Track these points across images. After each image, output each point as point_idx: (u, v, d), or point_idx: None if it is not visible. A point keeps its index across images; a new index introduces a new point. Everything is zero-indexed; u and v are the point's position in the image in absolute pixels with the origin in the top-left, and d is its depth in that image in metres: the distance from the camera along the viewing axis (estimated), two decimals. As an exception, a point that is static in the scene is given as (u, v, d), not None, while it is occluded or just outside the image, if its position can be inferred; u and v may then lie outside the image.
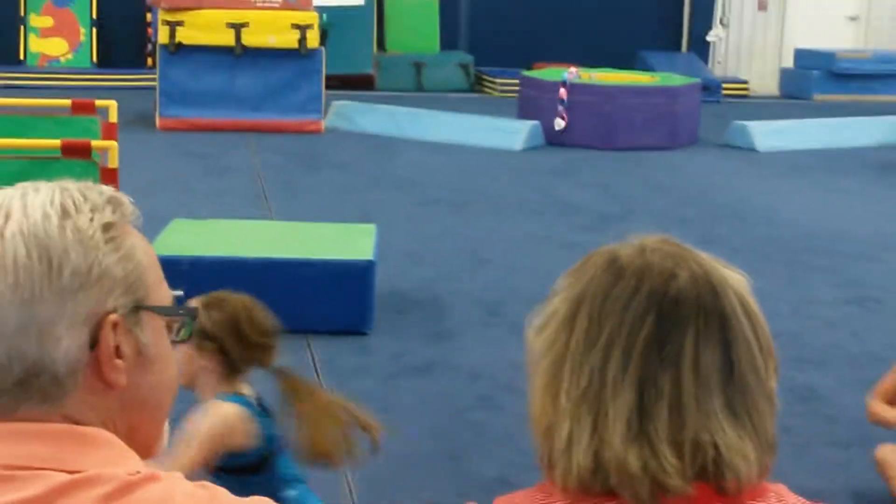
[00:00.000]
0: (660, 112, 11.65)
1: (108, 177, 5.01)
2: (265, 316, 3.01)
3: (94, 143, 5.33)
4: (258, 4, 11.88)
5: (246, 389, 3.00)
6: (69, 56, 14.60)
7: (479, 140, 11.23)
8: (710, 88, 14.41)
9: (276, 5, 11.91)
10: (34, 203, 1.17)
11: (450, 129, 11.55)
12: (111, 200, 1.20)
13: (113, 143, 5.35)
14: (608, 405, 1.18)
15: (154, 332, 1.20)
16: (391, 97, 13.66)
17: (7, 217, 1.16)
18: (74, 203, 1.17)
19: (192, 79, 11.69)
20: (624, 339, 1.20)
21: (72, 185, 1.20)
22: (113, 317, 1.16)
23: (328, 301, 5.68)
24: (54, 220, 1.15)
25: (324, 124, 11.80)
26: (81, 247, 1.15)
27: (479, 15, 15.82)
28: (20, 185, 1.21)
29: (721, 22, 16.31)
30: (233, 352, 2.95)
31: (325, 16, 12.35)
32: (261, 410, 2.98)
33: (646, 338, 1.19)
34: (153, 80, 12.18)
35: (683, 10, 16.42)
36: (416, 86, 15.06)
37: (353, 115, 12.10)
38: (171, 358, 1.24)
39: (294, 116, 11.73)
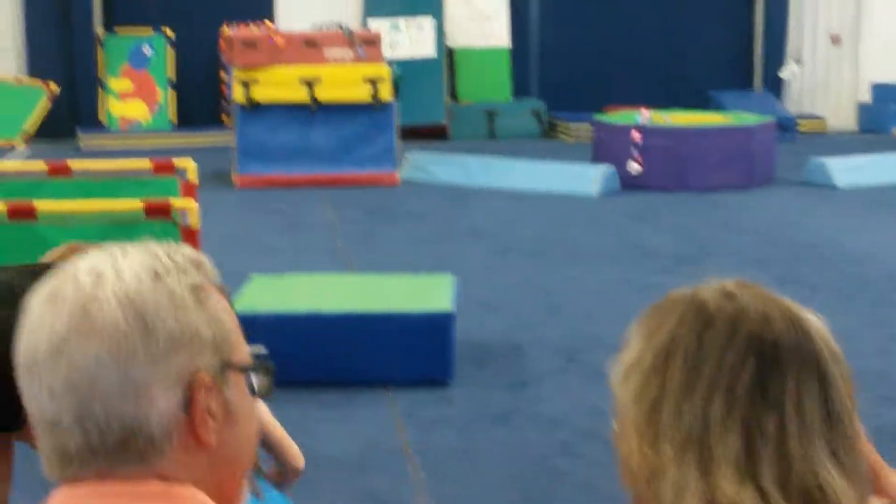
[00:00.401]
0: (735, 152, 11.57)
1: (189, 236, 5.05)
2: None
3: (175, 202, 5.37)
4: (330, 60, 12.03)
5: None
6: (149, 119, 14.87)
7: (555, 187, 11.22)
8: (786, 126, 14.27)
9: (349, 60, 12.06)
10: (126, 267, 1.20)
11: (524, 176, 11.56)
12: (195, 262, 1.24)
13: (192, 203, 5.38)
14: (714, 449, 1.19)
15: (237, 389, 1.23)
16: (465, 146, 13.72)
17: (101, 282, 1.19)
18: (163, 266, 1.21)
19: (268, 135, 11.84)
20: (725, 384, 1.20)
21: (157, 247, 1.24)
22: (204, 377, 1.19)
23: (408, 353, 5.70)
24: (147, 283, 1.19)
25: (399, 176, 11.88)
26: (174, 309, 1.19)
27: (549, 61, 15.86)
28: (107, 248, 1.24)
29: (794, 58, 16.18)
30: None
31: (396, 68, 12.46)
32: None
33: (748, 382, 1.20)
34: (229, 138, 12.37)
35: (755, 48, 16.33)
36: (489, 134, 15.12)
37: (428, 165, 12.16)
38: (252, 413, 1.26)
39: (369, 169, 11.82)
